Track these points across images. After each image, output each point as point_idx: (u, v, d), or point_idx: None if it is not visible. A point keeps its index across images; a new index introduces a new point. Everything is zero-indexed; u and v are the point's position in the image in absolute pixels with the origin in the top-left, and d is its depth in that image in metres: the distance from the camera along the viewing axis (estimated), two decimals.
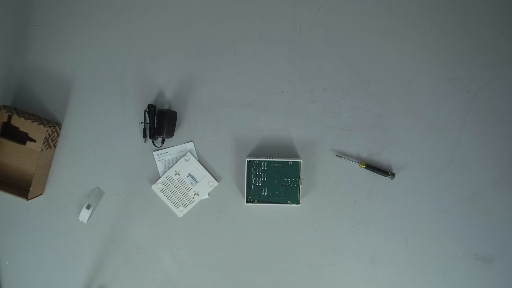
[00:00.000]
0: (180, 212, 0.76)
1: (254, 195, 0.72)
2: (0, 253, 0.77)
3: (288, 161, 0.71)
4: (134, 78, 0.77)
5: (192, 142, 0.77)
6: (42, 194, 0.76)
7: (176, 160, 0.76)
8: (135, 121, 0.76)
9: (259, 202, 0.72)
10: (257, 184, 0.72)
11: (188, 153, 0.76)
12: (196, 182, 0.76)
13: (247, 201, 0.72)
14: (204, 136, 0.77)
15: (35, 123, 0.70)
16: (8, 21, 0.76)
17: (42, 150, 0.70)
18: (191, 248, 0.76)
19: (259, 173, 0.72)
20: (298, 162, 0.71)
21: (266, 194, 0.72)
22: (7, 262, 0.77)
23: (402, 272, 0.75)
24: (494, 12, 0.76)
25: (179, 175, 0.76)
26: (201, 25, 0.77)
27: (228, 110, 0.77)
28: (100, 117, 0.77)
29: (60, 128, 0.76)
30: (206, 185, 0.75)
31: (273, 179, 0.73)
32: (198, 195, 0.76)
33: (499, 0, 0.76)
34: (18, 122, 0.74)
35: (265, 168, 0.72)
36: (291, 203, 0.72)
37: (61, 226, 0.76)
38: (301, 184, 0.72)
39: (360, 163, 0.75)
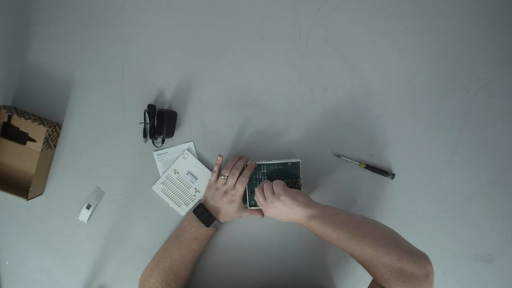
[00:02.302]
0: (183, 210, 0.76)
1: None
2: (0, 253, 0.77)
3: (287, 162, 0.71)
4: (134, 78, 0.77)
5: (192, 142, 0.77)
6: (42, 194, 0.76)
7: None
8: (135, 121, 0.76)
9: None
10: None
11: (186, 151, 0.76)
12: (196, 179, 0.76)
13: (250, 205, 0.72)
14: (204, 136, 0.77)
15: (35, 123, 0.70)
16: (8, 21, 0.76)
17: (42, 150, 0.70)
18: None
19: (259, 176, 0.72)
20: (297, 163, 0.71)
21: None
22: (7, 262, 0.77)
23: None
24: (494, 12, 0.76)
25: (178, 173, 0.76)
26: (201, 25, 0.77)
27: (228, 110, 0.77)
28: (100, 117, 0.77)
29: (60, 128, 0.76)
30: (206, 181, 0.75)
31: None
32: (199, 192, 0.76)
33: (499, 0, 0.76)
34: (18, 122, 0.74)
35: (265, 171, 0.72)
36: None
37: (61, 226, 0.76)
38: (301, 184, 0.72)
39: (360, 163, 0.75)
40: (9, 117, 0.74)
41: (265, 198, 0.64)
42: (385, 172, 0.75)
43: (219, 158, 0.72)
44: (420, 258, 0.53)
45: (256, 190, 0.66)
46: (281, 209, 0.62)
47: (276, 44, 0.77)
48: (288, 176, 0.71)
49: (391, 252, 0.53)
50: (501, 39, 0.76)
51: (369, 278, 0.61)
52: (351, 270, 0.75)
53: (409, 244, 0.56)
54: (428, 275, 0.52)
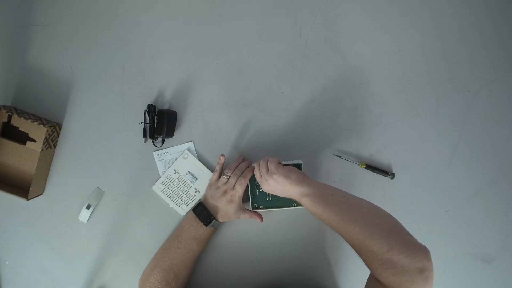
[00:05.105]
0: (183, 210, 0.76)
1: (259, 202, 0.72)
2: (0, 253, 0.77)
3: (289, 164, 0.71)
4: (134, 78, 0.77)
5: (192, 142, 0.77)
6: (42, 194, 0.76)
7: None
8: (135, 121, 0.76)
9: (264, 208, 0.72)
10: (260, 190, 0.72)
11: (186, 151, 0.76)
12: (196, 179, 0.76)
13: (253, 208, 0.72)
14: (204, 136, 0.77)
15: (35, 123, 0.70)
16: (8, 21, 0.76)
17: (42, 150, 0.70)
18: None
19: None
20: (300, 164, 0.71)
21: (270, 199, 0.72)
22: (7, 262, 0.77)
23: None
24: (494, 12, 0.76)
25: (178, 173, 0.76)
26: (201, 25, 0.77)
27: (228, 110, 0.77)
28: (100, 117, 0.77)
29: (60, 128, 0.76)
30: (206, 181, 0.75)
31: None
32: (199, 192, 0.76)
33: (498, 0, 0.76)
34: (18, 122, 0.74)
35: None
36: (296, 206, 0.71)
37: (61, 226, 0.76)
38: None
39: (360, 163, 0.75)
40: (9, 117, 0.74)
41: (261, 175, 0.65)
42: (385, 172, 0.75)
43: (221, 157, 0.72)
44: (415, 251, 0.48)
45: (255, 166, 0.68)
46: (274, 186, 0.63)
47: (276, 44, 0.77)
48: None
49: (381, 242, 0.49)
50: (501, 39, 0.76)
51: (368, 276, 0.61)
52: (351, 269, 0.75)
53: (407, 235, 0.51)
54: (422, 271, 0.47)
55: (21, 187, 0.75)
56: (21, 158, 0.75)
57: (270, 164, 0.64)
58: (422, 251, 0.49)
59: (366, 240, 0.51)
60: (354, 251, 0.55)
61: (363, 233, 0.51)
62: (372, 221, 0.53)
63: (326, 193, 0.59)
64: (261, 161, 0.66)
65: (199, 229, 0.69)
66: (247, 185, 0.71)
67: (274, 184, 0.62)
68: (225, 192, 0.70)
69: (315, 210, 0.58)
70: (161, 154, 0.76)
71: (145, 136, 0.76)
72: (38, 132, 0.75)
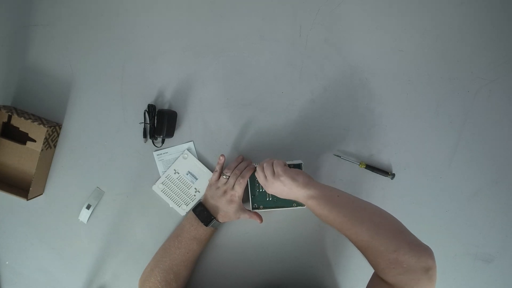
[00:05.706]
0: (183, 210, 0.76)
1: (259, 202, 0.72)
2: (0, 253, 0.77)
3: (290, 164, 0.71)
4: (134, 78, 0.77)
5: (192, 142, 0.77)
6: (42, 194, 0.76)
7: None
8: (135, 121, 0.76)
9: (264, 208, 0.72)
10: (260, 190, 0.72)
11: (186, 151, 0.76)
12: (196, 179, 0.76)
13: (253, 208, 0.72)
14: (204, 136, 0.77)
15: (35, 123, 0.70)
16: (8, 21, 0.76)
17: (42, 150, 0.70)
18: None
19: None
20: (300, 164, 0.71)
21: (270, 199, 0.72)
22: (7, 262, 0.77)
23: None
24: (494, 12, 0.76)
25: (178, 173, 0.76)
26: (201, 25, 0.77)
27: (228, 110, 0.77)
28: (100, 117, 0.77)
29: (60, 128, 0.76)
30: (206, 181, 0.75)
31: None
32: (199, 192, 0.76)
33: (498, 0, 0.76)
34: (18, 122, 0.74)
35: None
36: (296, 206, 0.71)
37: (61, 226, 0.76)
38: None
39: (360, 163, 0.75)
40: (9, 117, 0.74)
41: (265, 177, 0.64)
42: (385, 172, 0.75)
43: (221, 157, 0.71)
44: (421, 251, 0.50)
45: (258, 168, 0.67)
46: (281, 189, 0.62)
47: (276, 44, 0.77)
48: None
49: (388, 242, 0.51)
50: (501, 39, 0.76)
51: (367, 279, 0.61)
52: (351, 269, 0.75)
53: (411, 236, 0.52)
54: (427, 270, 0.49)
55: (21, 187, 0.75)
56: (21, 158, 0.75)
57: (277, 166, 0.63)
58: (427, 251, 0.50)
59: (373, 240, 0.52)
60: (354, 251, 0.56)
61: (370, 234, 0.52)
62: (378, 222, 0.54)
63: (332, 195, 0.59)
64: (265, 164, 0.65)
65: (199, 229, 0.69)
66: (247, 185, 0.71)
67: (281, 186, 0.62)
68: (225, 192, 0.70)
69: (321, 212, 0.59)
70: (161, 154, 0.76)
71: (145, 136, 0.76)
72: (38, 132, 0.75)
